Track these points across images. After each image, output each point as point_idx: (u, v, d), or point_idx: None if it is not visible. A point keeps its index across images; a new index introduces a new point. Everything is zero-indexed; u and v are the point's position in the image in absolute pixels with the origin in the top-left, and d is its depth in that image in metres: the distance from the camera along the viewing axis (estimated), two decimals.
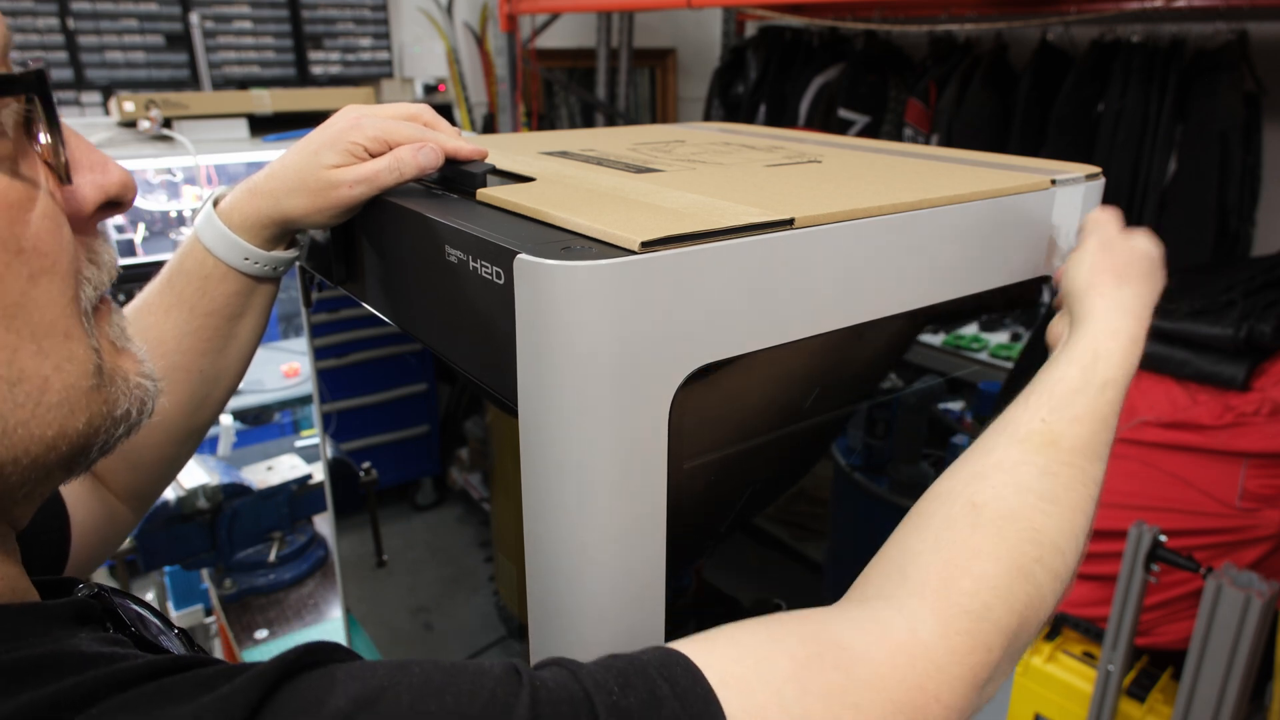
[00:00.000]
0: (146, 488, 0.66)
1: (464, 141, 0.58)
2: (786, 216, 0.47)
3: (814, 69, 2.87)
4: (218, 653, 1.53)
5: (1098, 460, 0.51)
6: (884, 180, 0.60)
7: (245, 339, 0.64)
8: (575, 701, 0.34)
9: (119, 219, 2.35)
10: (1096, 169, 0.66)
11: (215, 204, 0.60)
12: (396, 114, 0.58)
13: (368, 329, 0.85)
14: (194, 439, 0.67)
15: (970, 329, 2.03)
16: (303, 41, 3.28)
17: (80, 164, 0.37)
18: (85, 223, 0.38)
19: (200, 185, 2.14)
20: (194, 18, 3.03)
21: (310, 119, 1.97)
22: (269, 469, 1.48)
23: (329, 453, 0.92)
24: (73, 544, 0.57)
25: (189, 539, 1.36)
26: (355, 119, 0.56)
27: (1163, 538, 1.47)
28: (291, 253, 0.62)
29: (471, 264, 0.46)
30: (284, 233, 0.60)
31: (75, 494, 0.59)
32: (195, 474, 1.38)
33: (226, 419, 1.84)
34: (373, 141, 0.55)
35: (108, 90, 2.98)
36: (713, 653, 0.38)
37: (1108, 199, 0.68)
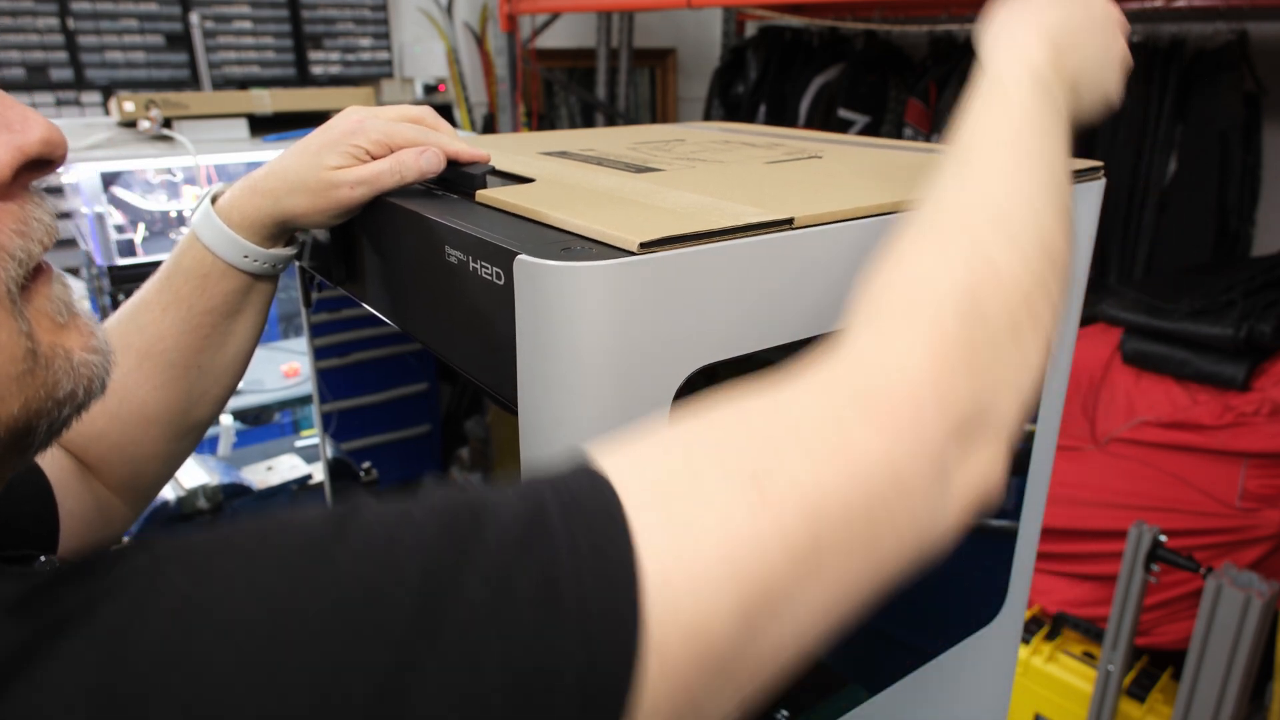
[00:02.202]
0: (143, 482, 0.66)
1: (466, 144, 0.58)
2: (786, 216, 0.47)
3: (814, 69, 2.87)
4: None
5: (1036, 135, 0.45)
6: (884, 179, 0.60)
7: (244, 336, 0.64)
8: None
9: (118, 217, 2.35)
10: (1097, 163, 0.66)
11: (213, 201, 0.60)
12: (399, 116, 0.58)
13: (368, 329, 0.85)
14: (192, 435, 0.67)
15: None
16: (303, 41, 3.28)
17: None
18: (6, 189, 0.35)
19: (200, 185, 2.14)
20: (194, 18, 3.03)
21: (310, 119, 1.96)
22: (269, 469, 1.48)
23: (329, 453, 0.92)
24: (61, 534, 0.57)
25: None
26: (358, 121, 0.57)
27: (1163, 538, 1.47)
28: (290, 250, 0.62)
29: (471, 265, 0.46)
30: (283, 231, 0.60)
31: (64, 484, 0.59)
32: (195, 474, 1.38)
33: (226, 419, 1.83)
34: (375, 144, 0.56)
35: (108, 90, 2.98)
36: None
37: (1108, 199, 0.68)
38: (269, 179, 0.58)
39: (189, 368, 0.62)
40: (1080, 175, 0.65)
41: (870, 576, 0.34)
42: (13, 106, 0.35)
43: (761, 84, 3.02)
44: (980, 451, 0.37)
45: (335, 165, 0.55)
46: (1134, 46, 2.16)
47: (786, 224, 0.47)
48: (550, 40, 3.49)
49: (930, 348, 0.36)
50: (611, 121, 3.55)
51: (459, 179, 0.57)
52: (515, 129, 3.33)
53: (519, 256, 0.42)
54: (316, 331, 0.85)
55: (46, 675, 0.24)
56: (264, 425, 2.45)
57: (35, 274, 0.36)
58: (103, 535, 0.64)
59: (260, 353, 0.68)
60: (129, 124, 1.87)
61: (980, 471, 0.37)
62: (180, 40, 3.04)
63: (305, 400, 2.27)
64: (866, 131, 2.69)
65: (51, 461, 0.59)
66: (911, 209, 0.44)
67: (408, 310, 0.58)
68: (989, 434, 0.37)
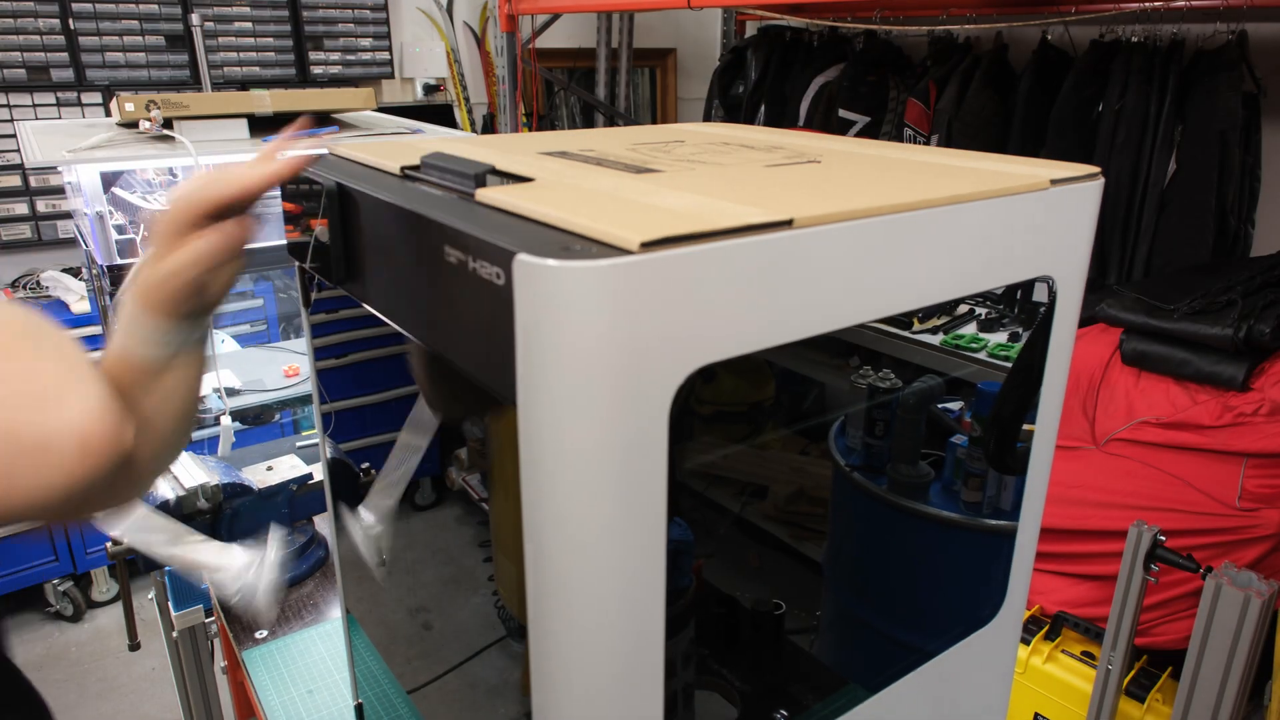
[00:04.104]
0: None
1: (257, 172, 0.61)
2: (785, 217, 0.47)
3: (814, 69, 2.87)
4: (218, 653, 1.53)
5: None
6: (883, 180, 0.60)
7: (182, 377, 0.66)
8: None
9: (119, 218, 2.34)
10: (1095, 169, 0.66)
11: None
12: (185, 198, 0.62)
13: (367, 329, 0.85)
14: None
15: (969, 329, 2.03)
16: (303, 41, 3.28)
17: None
18: None
19: None
20: (194, 18, 3.03)
21: (310, 119, 1.95)
22: (269, 469, 1.48)
23: (328, 452, 0.92)
24: None
25: None
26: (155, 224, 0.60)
27: (1162, 538, 1.47)
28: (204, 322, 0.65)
29: (471, 264, 0.46)
30: (208, 302, 0.63)
31: None
32: (195, 474, 1.38)
33: (226, 419, 1.84)
34: (201, 219, 0.59)
35: (108, 90, 2.98)
36: None
37: (1107, 199, 0.68)
38: (150, 292, 0.61)
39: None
40: (1078, 178, 0.65)
41: None
42: None
43: (761, 84, 3.02)
44: None
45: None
46: (1134, 46, 2.17)
47: (786, 224, 0.47)
48: (550, 40, 3.50)
49: None
50: (611, 121, 3.55)
51: (459, 178, 0.57)
52: (515, 129, 3.33)
53: (518, 256, 0.42)
54: (316, 331, 0.85)
55: None
56: (264, 425, 2.44)
57: None
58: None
59: (260, 353, 0.69)
60: (130, 124, 1.86)
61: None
62: (180, 40, 3.04)
63: (305, 400, 2.27)
64: (866, 132, 2.69)
65: None
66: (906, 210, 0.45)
67: (407, 310, 0.58)
68: None
